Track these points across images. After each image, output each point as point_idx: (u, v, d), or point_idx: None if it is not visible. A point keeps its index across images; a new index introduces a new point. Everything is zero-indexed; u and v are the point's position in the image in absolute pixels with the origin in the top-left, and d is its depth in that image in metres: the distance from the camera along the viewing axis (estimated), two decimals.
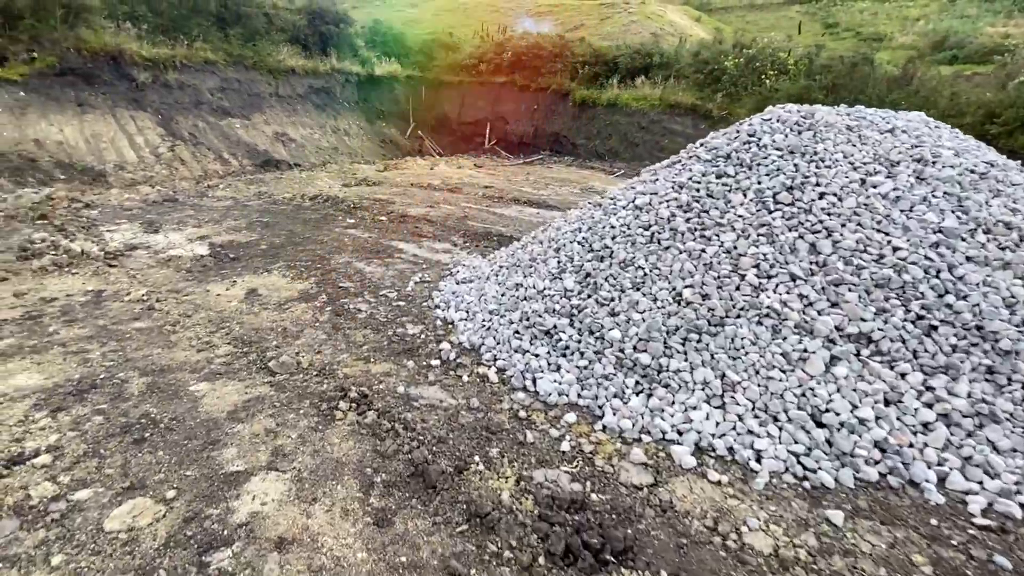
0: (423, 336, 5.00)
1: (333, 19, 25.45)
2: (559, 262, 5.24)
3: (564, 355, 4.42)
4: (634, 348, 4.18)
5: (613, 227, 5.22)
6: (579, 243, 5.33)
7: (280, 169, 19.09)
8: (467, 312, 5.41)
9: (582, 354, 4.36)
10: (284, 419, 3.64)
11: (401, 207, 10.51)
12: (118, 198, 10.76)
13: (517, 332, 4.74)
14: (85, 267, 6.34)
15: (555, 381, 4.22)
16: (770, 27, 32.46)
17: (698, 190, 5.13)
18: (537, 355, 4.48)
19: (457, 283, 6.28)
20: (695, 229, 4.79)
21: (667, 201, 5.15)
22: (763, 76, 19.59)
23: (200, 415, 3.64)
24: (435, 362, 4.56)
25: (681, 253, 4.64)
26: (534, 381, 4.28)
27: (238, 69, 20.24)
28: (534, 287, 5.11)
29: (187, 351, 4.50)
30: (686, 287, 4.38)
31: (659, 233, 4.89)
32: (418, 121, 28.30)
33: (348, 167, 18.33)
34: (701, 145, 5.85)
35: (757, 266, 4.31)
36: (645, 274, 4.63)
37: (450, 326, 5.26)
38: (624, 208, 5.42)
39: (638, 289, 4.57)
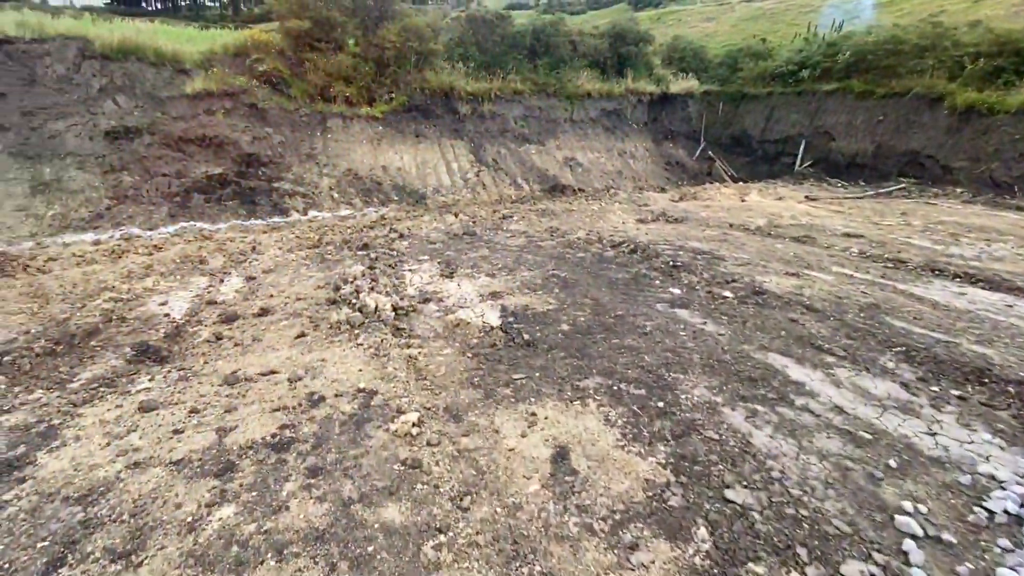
0: None
1: (634, 39, 23.13)
2: None
3: None
4: None
5: None
6: None
7: (565, 195, 17.67)
8: None
9: None
10: None
11: (744, 271, 6.75)
12: (428, 226, 10.24)
13: None
14: (371, 335, 4.91)
15: None
16: None
17: None
18: None
19: None
20: None
21: None
22: None
23: None
24: None
25: None
26: None
27: (540, 97, 19.69)
28: None
29: None
30: None
31: None
32: (709, 140, 23.88)
33: (637, 195, 15.54)
34: None
35: None
36: None
37: None
38: None
39: None
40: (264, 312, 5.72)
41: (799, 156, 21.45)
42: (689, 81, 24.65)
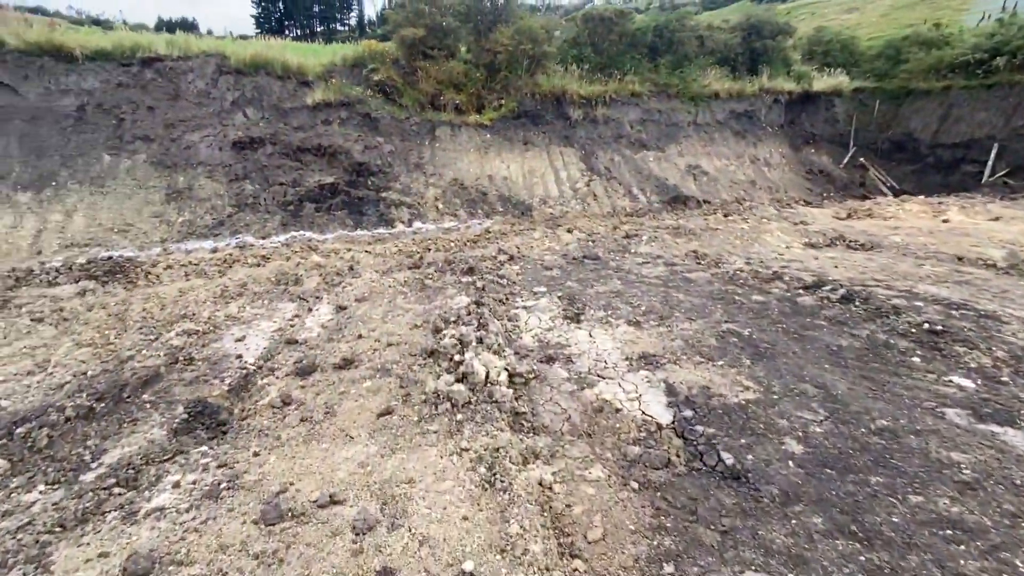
0: None
1: (771, 32, 19.52)
2: None
3: None
4: None
5: None
6: None
7: (688, 207, 14.94)
8: None
9: None
10: None
11: None
12: (539, 245, 8.47)
13: None
14: (479, 427, 3.16)
15: None
16: None
17: None
18: None
19: None
20: None
21: None
22: None
23: None
24: None
25: None
26: None
27: (660, 99, 17.10)
28: None
29: None
30: None
31: None
32: (860, 145, 19.40)
33: (788, 210, 12.40)
34: None
35: None
36: None
37: None
38: None
39: None
40: (347, 364, 4.26)
41: (989, 164, 16.49)
42: (836, 77, 20.31)
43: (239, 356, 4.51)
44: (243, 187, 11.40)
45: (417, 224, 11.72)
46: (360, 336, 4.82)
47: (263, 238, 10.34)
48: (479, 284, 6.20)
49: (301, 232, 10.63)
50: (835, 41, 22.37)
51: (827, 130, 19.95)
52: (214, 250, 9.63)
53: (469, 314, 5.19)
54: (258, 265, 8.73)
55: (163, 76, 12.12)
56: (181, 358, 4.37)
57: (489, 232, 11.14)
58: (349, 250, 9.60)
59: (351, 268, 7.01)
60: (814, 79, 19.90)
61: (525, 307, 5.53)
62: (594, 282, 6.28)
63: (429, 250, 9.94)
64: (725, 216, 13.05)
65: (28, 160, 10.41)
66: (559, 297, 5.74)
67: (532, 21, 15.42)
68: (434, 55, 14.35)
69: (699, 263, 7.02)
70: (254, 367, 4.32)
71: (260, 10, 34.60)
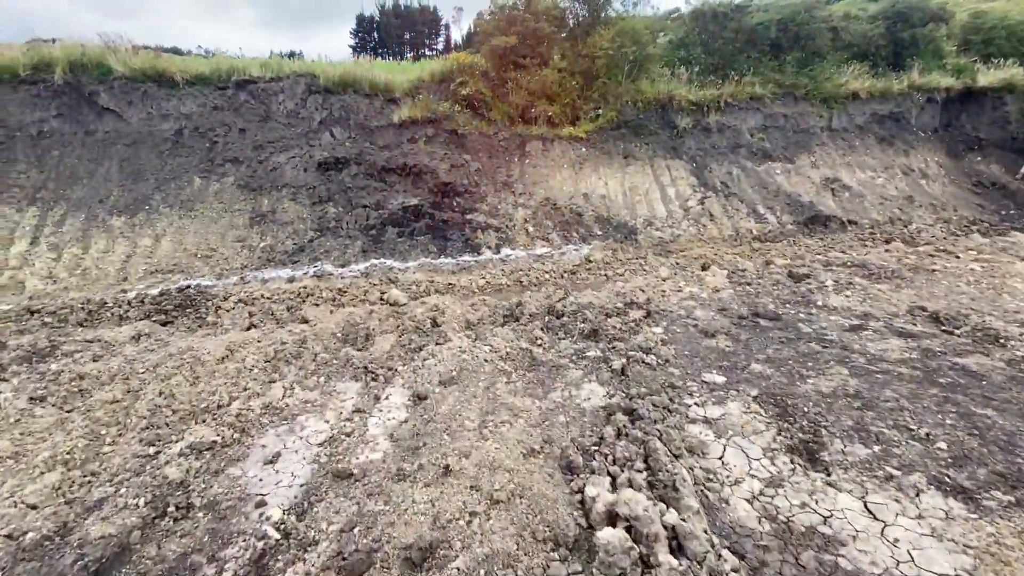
0: None
1: (921, 20, 15.41)
2: None
3: None
4: None
5: None
6: None
7: (829, 228, 11.63)
8: None
9: None
10: None
11: None
12: (675, 290, 5.94)
13: None
14: None
15: None
16: None
17: None
18: None
19: None
20: None
21: None
22: None
23: None
24: None
25: None
26: None
27: (786, 102, 13.85)
28: None
29: None
30: None
31: None
32: None
33: (999, 238, 8.80)
34: None
35: None
36: None
37: None
38: None
39: None
40: (423, 556, 2.22)
41: None
42: (1007, 70, 15.66)
43: (261, 502, 2.63)
44: (326, 210, 10.13)
45: (505, 251, 9.74)
46: (447, 470, 2.77)
47: (342, 266, 8.90)
48: (613, 361, 3.94)
49: (381, 260, 9.06)
50: (999, 27, 17.47)
51: (995, 133, 15.31)
52: (291, 279, 8.31)
53: (620, 434, 2.94)
54: (332, 301, 7.18)
55: (255, 98, 11.32)
56: (173, 506, 2.57)
57: (591, 262, 8.86)
58: (431, 283, 7.81)
59: (434, 322, 5.05)
60: (977, 73, 15.44)
61: (707, 420, 3.17)
62: (799, 368, 3.76)
63: (524, 287, 7.86)
64: (887, 242, 9.69)
65: (125, 184, 9.85)
66: (757, 400, 3.32)
67: (635, 21, 13.03)
68: (526, 64, 12.44)
69: (949, 331, 4.21)
70: (279, 533, 2.40)
71: (356, 40, 35.79)
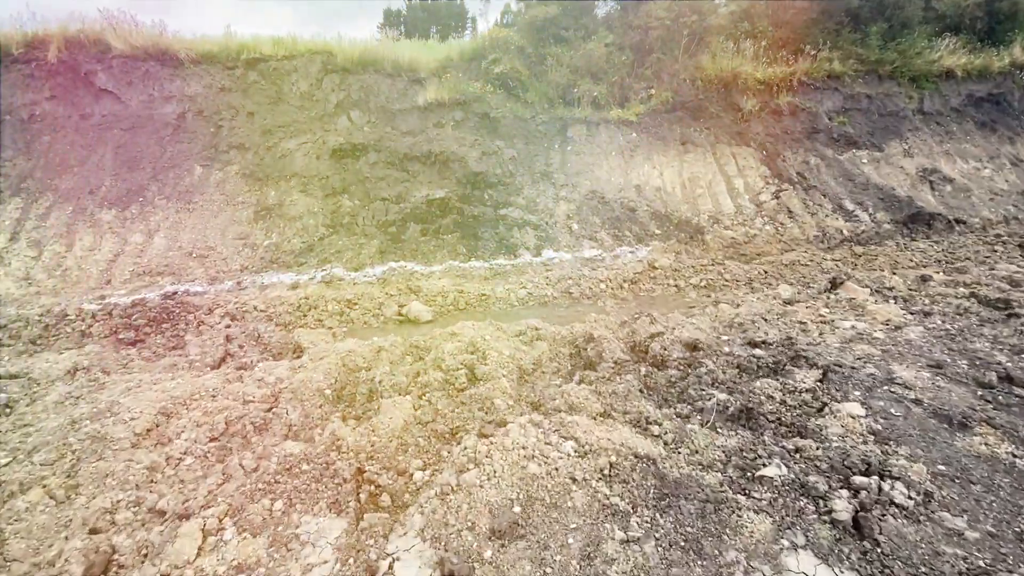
0: None
1: None
2: None
3: None
4: None
5: None
6: None
7: (934, 229, 9.40)
8: None
9: None
10: None
11: None
12: (817, 320, 4.00)
13: None
14: None
15: None
16: None
17: None
18: None
19: None
20: None
21: None
22: None
23: None
24: None
25: None
26: None
27: (868, 81, 11.53)
28: None
29: None
30: None
31: None
32: None
33: None
34: None
35: None
36: None
37: None
38: None
39: None
40: None
41: None
42: None
43: None
44: (340, 203, 8.49)
45: (547, 253, 7.90)
46: None
47: (355, 269, 7.24)
48: (830, 498, 2.07)
49: (401, 263, 7.36)
50: None
51: None
52: (294, 286, 6.70)
53: None
54: (339, 316, 5.50)
55: (266, 78, 9.75)
56: None
57: (655, 268, 6.94)
58: (460, 293, 6.06)
59: (471, 373, 3.22)
60: None
61: None
62: None
63: (575, 299, 6.02)
64: (1022, 247, 7.43)
65: (119, 173, 8.41)
66: None
67: None
68: (568, 37, 10.51)
69: None
70: None
71: (382, 33, 34.48)
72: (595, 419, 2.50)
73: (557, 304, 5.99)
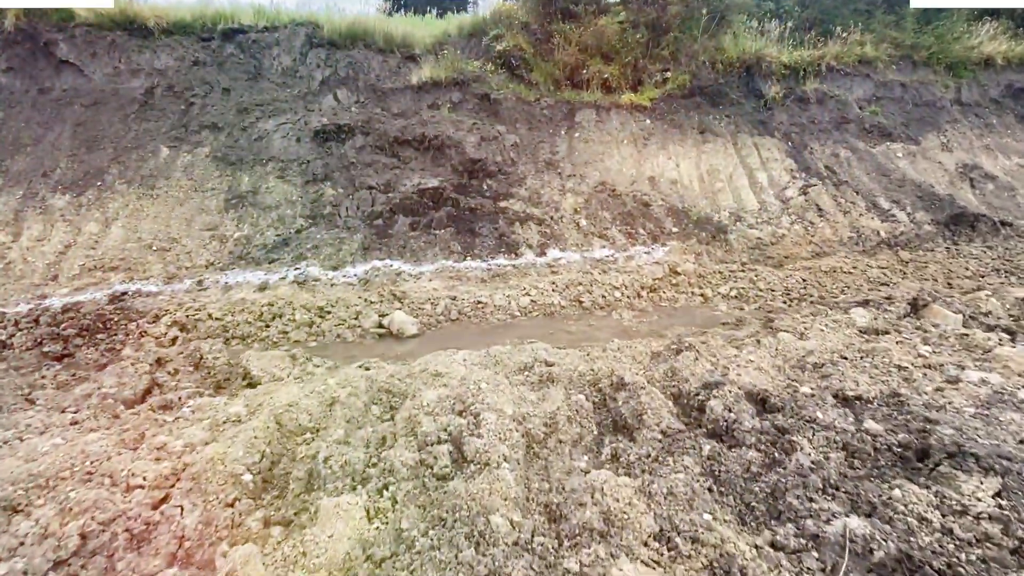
0: None
1: None
2: None
3: None
4: None
5: None
6: None
7: (977, 231, 8.42)
8: None
9: None
10: None
11: None
12: (920, 366, 2.94)
13: None
14: None
15: None
16: None
17: None
18: None
19: None
20: None
21: None
22: None
23: None
24: None
25: None
26: None
27: (902, 68, 10.43)
28: None
29: None
30: None
31: None
32: None
33: None
34: None
35: None
36: None
37: None
38: None
39: None
40: None
41: None
42: None
43: None
44: (321, 191, 7.49)
45: (553, 252, 6.93)
46: None
47: (334, 268, 6.29)
48: None
49: (386, 262, 6.39)
50: None
51: None
52: (262, 287, 5.76)
53: None
54: (307, 328, 4.58)
55: (245, 51, 8.67)
56: None
57: (677, 274, 5.97)
58: (453, 300, 5.11)
59: (456, 448, 2.19)
60: None
61: None
62: None
63: (587, 310, 5.08)
64: None
65: (77, 154, 7.40)
66: None
67: None
68: (577, 12, 9.39)
69: None
70: None
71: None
72: (647, 550, 1.53)
73: (566, 315, 5.05)
